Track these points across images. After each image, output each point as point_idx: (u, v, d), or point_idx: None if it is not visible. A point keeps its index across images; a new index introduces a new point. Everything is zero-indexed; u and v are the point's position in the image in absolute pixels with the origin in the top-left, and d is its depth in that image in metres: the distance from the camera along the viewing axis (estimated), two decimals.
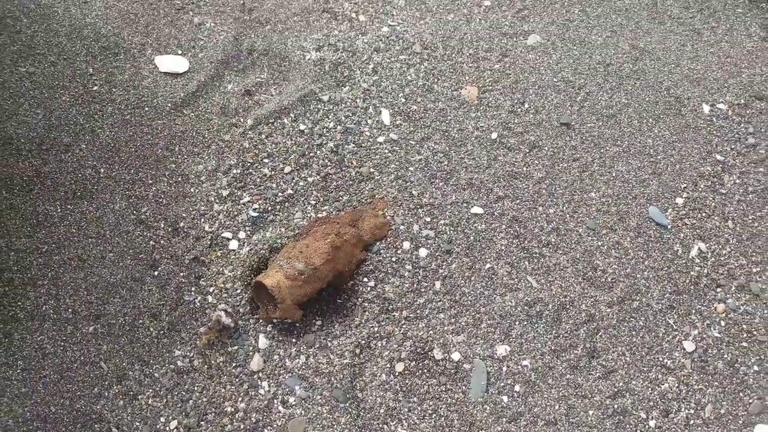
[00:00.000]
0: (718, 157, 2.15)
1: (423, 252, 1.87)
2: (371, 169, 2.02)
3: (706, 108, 2.26)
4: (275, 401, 1.61)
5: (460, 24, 2.40)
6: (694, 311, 1.82)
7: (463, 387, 1.65)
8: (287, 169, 1.99)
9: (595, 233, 1.94)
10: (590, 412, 1.64)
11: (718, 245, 1.95)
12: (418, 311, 1.76)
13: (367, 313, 1.75)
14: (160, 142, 1.99)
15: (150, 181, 1.91)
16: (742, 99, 2.30)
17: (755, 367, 1.73)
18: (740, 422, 1.65)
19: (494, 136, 2.13)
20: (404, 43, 2.31)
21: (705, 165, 2.12)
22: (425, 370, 1.67)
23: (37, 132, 1.95)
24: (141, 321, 1.68)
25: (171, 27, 2.25)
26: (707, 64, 2.39)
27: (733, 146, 2.18)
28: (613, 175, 2.07)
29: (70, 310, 1.67)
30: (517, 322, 1.76)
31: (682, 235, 1.96)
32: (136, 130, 2.00)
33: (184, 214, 1.86)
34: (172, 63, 2.15)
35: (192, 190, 1.92)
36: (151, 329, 1.67)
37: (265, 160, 2.00)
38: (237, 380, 1.62)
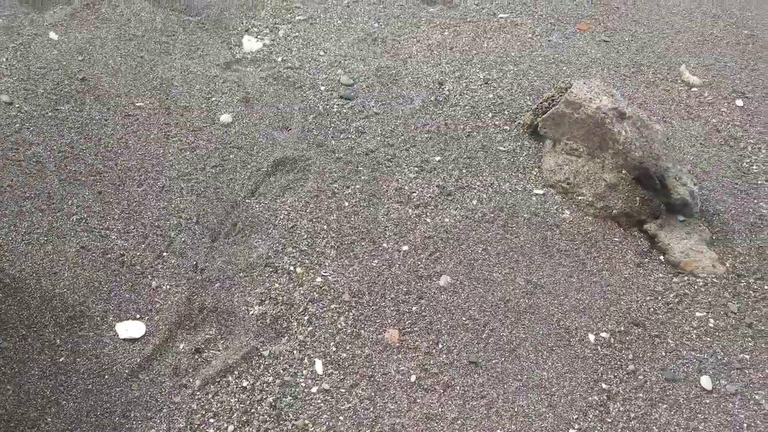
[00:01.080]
0: (604, 385, 2.52)
1: None
2: (306, 422, 2.31)
3: (591, 337, 2.68)
4: None
5: (383, 269, 2.82)
6: None
7: None
8: (230, 428, 2.26)
9: None
10: None
11: None
12: None
13: None
14: (117, 410, 2.26)
15: None
16: (622, 326, 2.74)
17: None
18: None
19: (413, 378, 2.47)
20: (335, 293, 2.71)
21: (593, 394, 2.49)
22: None
23: (6, 408, 2.21)
24: None
25: (131, 292, 2.60)
26: (591, 294, 2.85)
27: (616, 374, 2.57)
28: (516, 410, 2.41)
29: None
30: None
31: None
32: (97, 399, 2.27)
33: None
34: (130, 328, 2.47)
35: None
36: None
37: (211, 420, 2.28)
38: None
